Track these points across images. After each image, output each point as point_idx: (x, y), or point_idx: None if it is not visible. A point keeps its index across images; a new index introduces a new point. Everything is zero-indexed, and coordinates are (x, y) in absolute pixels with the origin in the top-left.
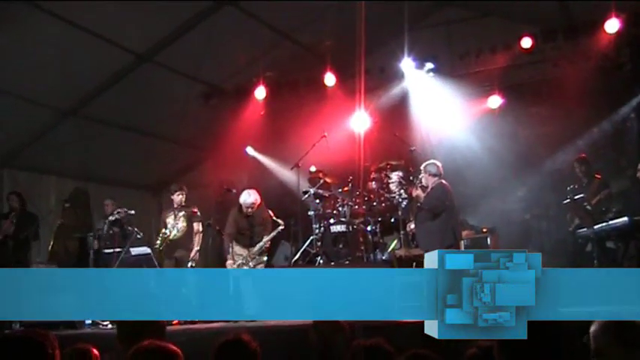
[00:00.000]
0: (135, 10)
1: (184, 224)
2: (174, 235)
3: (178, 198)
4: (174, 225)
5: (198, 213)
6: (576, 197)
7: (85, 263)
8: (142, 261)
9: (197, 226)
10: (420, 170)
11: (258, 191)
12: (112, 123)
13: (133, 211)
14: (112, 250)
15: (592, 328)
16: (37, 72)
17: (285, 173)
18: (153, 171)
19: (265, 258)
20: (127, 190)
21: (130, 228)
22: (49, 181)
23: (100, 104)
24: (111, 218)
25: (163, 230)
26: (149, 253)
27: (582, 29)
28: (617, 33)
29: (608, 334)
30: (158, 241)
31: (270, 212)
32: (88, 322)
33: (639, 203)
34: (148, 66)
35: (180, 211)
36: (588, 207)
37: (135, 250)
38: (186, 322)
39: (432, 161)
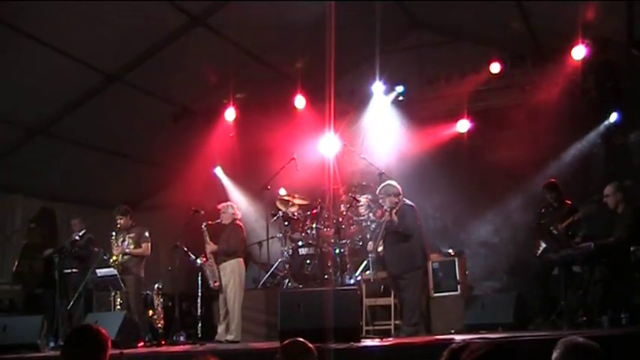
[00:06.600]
0: (105, 30)
1: (132, 246)
2: (124, 258)
3: (120, 222)
4: (121, 247)
5: (147, 234)
6: (542, 221)
7: (50, 284)
8: (107, 282)
9: (145, 247)
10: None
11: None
12: (81, 142)
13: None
14: (70, 270)
15: (554, 355)
16: (5, 90)
17: (254, 195)
18: (121, 191)
19: None
20: (94, 210)
21: (95, 249)
22: (15, 200)
23: (68, 123)
24: (74, 237)
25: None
26: (115, 275)
27: (550, 55)
28: (584, 59)
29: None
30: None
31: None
32: (52, 344)
33: (604, 228)
34: (117, 85)
35: (129, 232)
36: (555, 231)
37: (101, 272)
38: (151, 345)
39: (388, 182)
